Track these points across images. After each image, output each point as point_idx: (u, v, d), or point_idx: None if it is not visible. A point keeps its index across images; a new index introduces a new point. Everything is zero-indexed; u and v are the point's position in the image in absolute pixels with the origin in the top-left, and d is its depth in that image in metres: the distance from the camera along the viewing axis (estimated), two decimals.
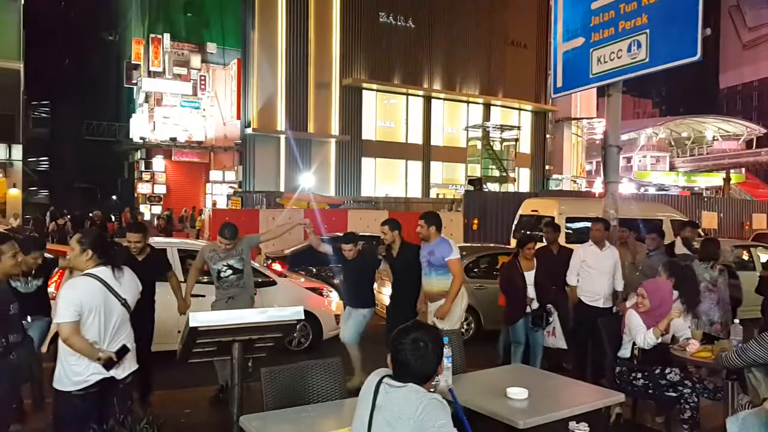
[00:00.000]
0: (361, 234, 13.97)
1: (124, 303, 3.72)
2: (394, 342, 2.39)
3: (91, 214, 24.20)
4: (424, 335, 2.39)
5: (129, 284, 3.82)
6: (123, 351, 3.65)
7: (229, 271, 5.99)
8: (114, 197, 42.82)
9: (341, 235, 6.95)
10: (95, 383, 3.59)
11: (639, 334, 4.88)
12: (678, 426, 4.76)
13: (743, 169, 49.99)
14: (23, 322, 4.87)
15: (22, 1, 30.54)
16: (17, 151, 30.35)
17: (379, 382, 2.42)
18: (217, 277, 6.03)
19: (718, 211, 19.80)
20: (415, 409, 2.28)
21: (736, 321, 5.28)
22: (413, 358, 2.34)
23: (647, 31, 6.54)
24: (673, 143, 55.76)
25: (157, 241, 9.43)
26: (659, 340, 4.87)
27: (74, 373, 3.57)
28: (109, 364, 3.56)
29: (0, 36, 29.31)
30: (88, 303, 3.54)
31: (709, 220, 17.90)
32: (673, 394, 4.77)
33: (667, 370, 4.85)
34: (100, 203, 41.92)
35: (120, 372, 3.67)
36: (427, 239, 6.01)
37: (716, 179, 45.96)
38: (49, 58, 51.19)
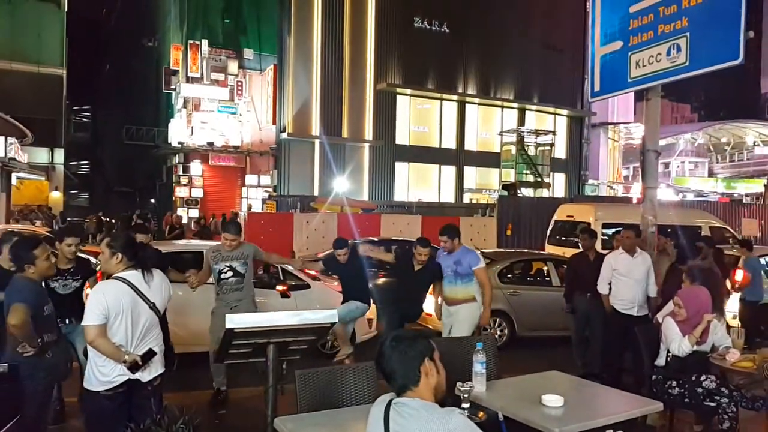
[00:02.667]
0: (393, 238, 14.03)
1: (153, 307, 3.76)
2: (377, 356, 2.41)
3: (141, 215, 24.37)
4: (397, 335, 2.43)
5: (159, 288, 3.85)
6: (149, 354, 3.68)
7: (230, 273, 5.93)
8: (152, 200, 43.57)
9: (373, 239, 7.19)
10: (122, 384, 3.64)
11: (674, 341, 4.81)
12: None
13: None
14: (64, 323, 4.99)
15: (65, 10, 31.35)
16: (59, 155, 31.19)
17: (387, 407, 2.35)
18: (217, 279, 5.97)
19: (759, 218, 19.31)
20: None
21: None
22: (391, 358, 2.34)
23: (687, 34, 6.42)
24: (712, 149, 54.59)
25: (194, 243, 9.61)
26: (694, 348, 4.78)
27: (102, 374, 3.63)
28: (134, 366, 3.60)
29: (43, 43, 30.14)
30: (114, 306, 3.59)
31: (749, 227, 17.46)
32: (711, 404, 4.67)
33: (703, 377, 4.76)
34: (139, 206, 42.74)
35: (145, 375, 3.71)
36: (451, 251, 6.25)
37: (757, 185, 44.88)
38: (91, 65, 52.48)
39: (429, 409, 2.27)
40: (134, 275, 3.73)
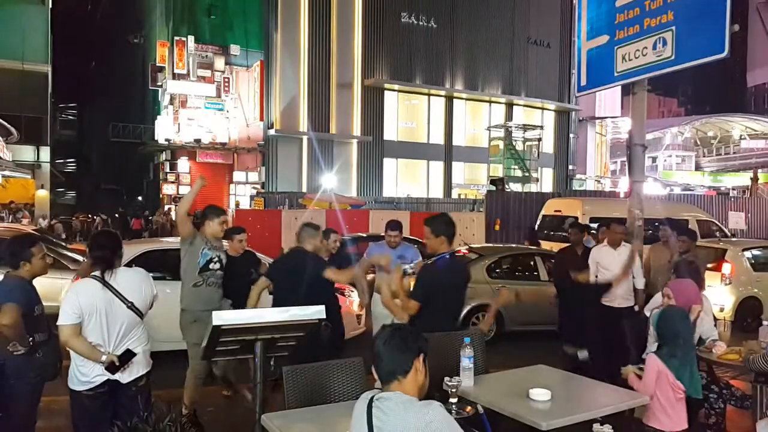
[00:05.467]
0: (382, 234, 14.01)
1: (131, 306, 3.68)
2: (374, 345, 2.43)
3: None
4: (395, 327, 2.46)
5: (138, 287, 3.76)
6: (127, 355, 3.60)
7: (218, 266, 5.29)
8: (140, 198, 43.33)
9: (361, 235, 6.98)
10: (102, 384, 3.61)
11: None
12: (702, 430, 4.68)
13: None
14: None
15: (50, 6, 31.05)
16: (45, 153, 30.91)
17: (370, 404, 2.36)
18: (202, 268, 5.18)
19: (746, 212, 19.44)
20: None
21: (766, 323, 5.17)
22: (384, 348, 2.36)
23: (673, 28, 6.45)
24: (698, 142, 55.00)
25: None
26: None
27: (81, 373, 3.61)
28: (111, 367, 3.55)
29: (28, 40, 29.82)
30: (88, 306, 3.54)
31: (736, 220, 17.57)
32: (699, 398, 4.69)
33: None
34: (126, 204, 42.50)
35: (125, 376, 3.65)
36: (395, 246, 6.55)
37: (743, 179, 45.22)
38: (76, 62, 52.04)
39: (407, 403, 2.28)
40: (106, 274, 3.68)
